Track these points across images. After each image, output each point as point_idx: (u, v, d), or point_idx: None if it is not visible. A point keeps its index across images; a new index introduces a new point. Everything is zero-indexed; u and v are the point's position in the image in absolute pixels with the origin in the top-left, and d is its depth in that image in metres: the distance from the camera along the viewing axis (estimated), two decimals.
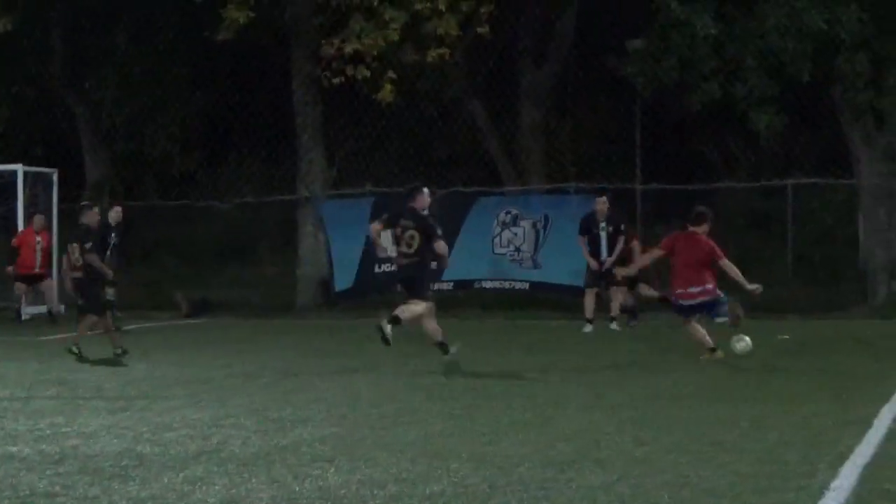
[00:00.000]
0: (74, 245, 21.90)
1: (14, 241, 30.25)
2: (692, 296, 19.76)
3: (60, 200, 32.52)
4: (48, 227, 30.77)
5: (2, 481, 10.65)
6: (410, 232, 19.11)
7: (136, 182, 37.43)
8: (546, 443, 12.39)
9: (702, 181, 32.03)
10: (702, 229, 20.12)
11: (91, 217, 22.47)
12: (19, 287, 30.09)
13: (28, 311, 30.47)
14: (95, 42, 37.58)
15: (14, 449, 12.29)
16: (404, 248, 19.26)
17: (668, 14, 29.45)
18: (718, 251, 19.97)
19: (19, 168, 31.59)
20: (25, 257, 29.80)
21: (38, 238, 29.96)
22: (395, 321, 18.75)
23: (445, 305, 26.46)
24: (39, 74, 38.27)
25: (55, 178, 32.62)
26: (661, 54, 30.09)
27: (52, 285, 30.10)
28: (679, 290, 19.98)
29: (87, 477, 10.84)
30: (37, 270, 29.95)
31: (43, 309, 30.74)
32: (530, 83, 34.96)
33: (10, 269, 29.95)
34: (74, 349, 20.98)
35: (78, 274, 21.84)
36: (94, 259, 21.76)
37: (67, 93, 37.92)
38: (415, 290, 19.24)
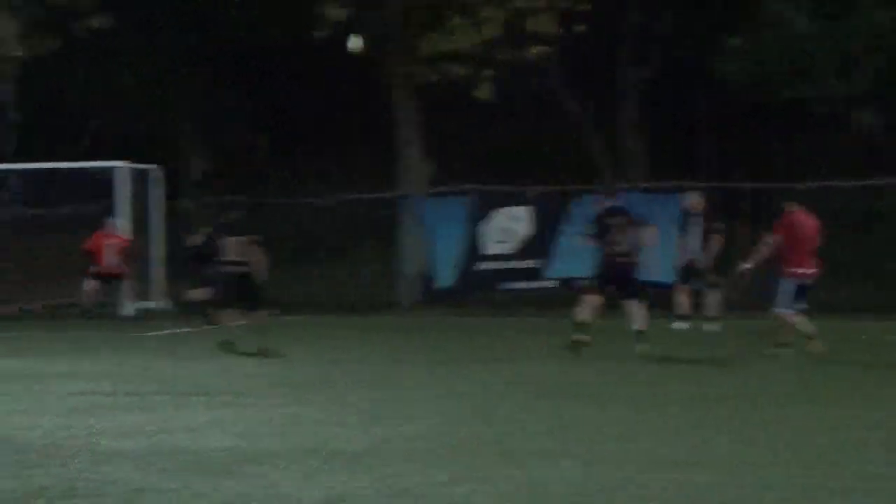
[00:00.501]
0: (233, 239, 21.92)
1: (88, 245, 30.49)
2: (813, 275, 19.90)
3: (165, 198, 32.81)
4: (132, 227, 31.24)
5: (112, 476, 10.66)
6: (623, 230, 20.00)
7: (228, 177, 37.72)
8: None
9: (799, 179, 31.86)
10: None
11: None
12: (90, 285, 30.31)
13: (129, 308, 30.64)
14: (194, 41, 37.92)
15: (122, 444, 12.33)
16: (616, 248, 20.01)
17: (765, 12, 29.31)
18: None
19: (121, 165, 31.81)
20: (101, 258, 30.06)
21: (113, 240, 30.22)
22: (641, 335, 19.98)
23: (552, 304, 26.47)
24: (142, 72, 38.61)
25: (159, 174, 32.83)
26: (759, 52, 29.96)
27: (131, 285, 30.53)
28: (803, 270, 19.84)
29: (196, 472, 10.87)
30: (113, 270, 30.18)
31: (144, 305, 31.07)
32: (629, 81, 34.91)
33: (93, 269, 30.21)
34: (227, 343, 21.13)
35: (243, 268, 21.85)
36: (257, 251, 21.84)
37: (169, 90, 38.22)
38: (631, 289, 20.37)
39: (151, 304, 31.34)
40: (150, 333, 26.37)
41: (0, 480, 10.63)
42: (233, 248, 21.73)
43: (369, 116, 36.71)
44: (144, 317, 30.25)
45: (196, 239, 28.41)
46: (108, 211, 31.52)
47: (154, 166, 32.63)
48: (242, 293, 21.69)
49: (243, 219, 23.49)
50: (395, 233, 33.89)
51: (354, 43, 19.71)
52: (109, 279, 30.28)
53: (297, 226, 35.73)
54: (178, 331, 26.76)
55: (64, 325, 28.86)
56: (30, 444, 12.45)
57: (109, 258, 30.02)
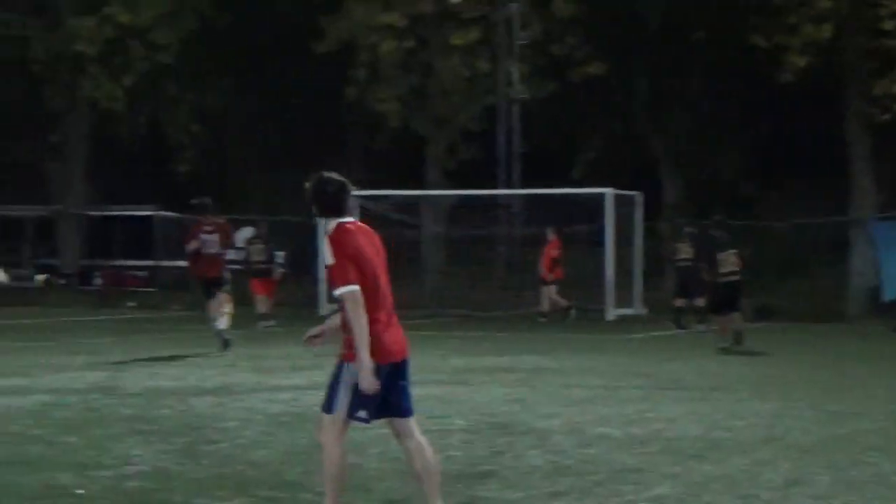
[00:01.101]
0: (727, 252, 22.85)
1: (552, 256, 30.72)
2: None
3: (643, 220, 33.20)
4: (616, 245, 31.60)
5: (596, 457, 11.19)
6: None
7: (706, 204, 37.84)
8: None
9: None
10: None
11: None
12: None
13: (615, 312, 31.05)
14: (672, 85, 38.22)
15: (606, 430, 12.79)
16: None
17: None
18: None
19: (609, 192, 32.14)
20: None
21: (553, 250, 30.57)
22: None
23: None
24: (625, 112, 39.20)
25: (640, 199, 33.21)
26: None
27: (549, 291, 30.78)
28: None
29: (669, 456, 11.27)
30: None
31: (624, 312, 31.44)
32: None
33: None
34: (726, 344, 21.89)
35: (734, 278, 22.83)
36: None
37: (649, 127, 38.72)
38: None
39: (630, 311, 31.75)
40: (630, 336, 26.62)
41: (502, 458, 11.35)
42: (727, 260, 22.41)
43: (822, 147, 36.26)
44: (624, 321, 30.46)
45: (682, 251, 28.90)
46: (597, 231, 32.09)
47: (636, 192, 33.04)
48: (732, 300, 22.34)
49: (726, 236, 23.98)
50: (845, 252, 33.71)
51: None
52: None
53: (758, 245, 35.80)
54: (654, 334, 26.96)
55: (555, 327, 29.19)
56: (549, 429, 13.05)
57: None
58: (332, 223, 8.11)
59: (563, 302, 30.79)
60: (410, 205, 35.93)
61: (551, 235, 31.09)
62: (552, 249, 30.81)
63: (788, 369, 19.61)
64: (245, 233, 38.87)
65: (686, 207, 36.50)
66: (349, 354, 7.93)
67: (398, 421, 8.21)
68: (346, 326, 7.95)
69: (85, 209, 41.93)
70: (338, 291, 7.85)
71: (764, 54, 33.03)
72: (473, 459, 11.14)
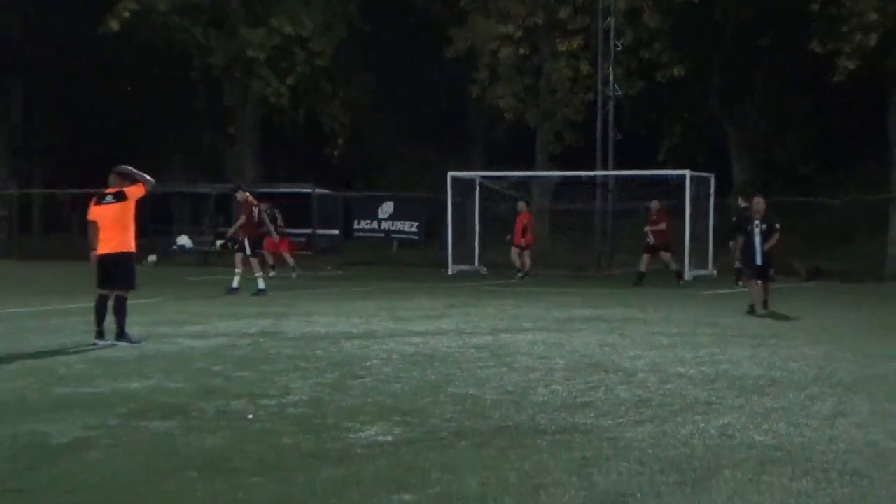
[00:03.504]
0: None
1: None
2: None
3: (716, 197, 32.63)
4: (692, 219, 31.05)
5: (673, 392, 11.16)
6: None
7: (769, 182, 37.46)
8: None
9: None
10: None
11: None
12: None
13: (692, 273, 30.46)
14: (742, 79, 37.82)
15: (682, 370, 12.70)
16: None
17: None
18: None
19: (687, 173, 31.78)
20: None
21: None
22: None
23: None
24: (702, 104, 38.91)
25: (712, 180, 32.73)
26: None
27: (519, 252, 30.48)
28: None
29: (734, 391, 11.19)
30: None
31: (702, 272, 30.99)
32: None
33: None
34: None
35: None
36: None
37: (721, 117, 38.36)
38: None
39: (704, 272, 30.99)
40: (703, 292, 26.23)
41: (596, 392, 11.31)
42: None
43: (869, 136, 35.67)
44: (698, 280, 30.04)
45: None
46: (678, 207, 31.36)
47: (710, 174, 32.68)
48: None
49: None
50: (887, 223, 33.17)
51: None
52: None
53: (815, 218, 35.32)
54: (722, 291, 26.46)
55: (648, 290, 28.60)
56: (635, 369, 12.99)
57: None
58: None
59: (524, 264, 30.56)
60: (522, 183, 35.94)
61: (521, 206, 30.81)
62: (523, 219, 30.55)
63: (835, 320, 19.31)
64: (387, 207, 39.25)
65: (752, 186, 36.03)
66: None
67: None
68: None
69: (254, 187, 42.47)
70: None
71: (820, 58, 32.66)
72: (573, 392, 11.16)
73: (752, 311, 20.20)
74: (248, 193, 25.80)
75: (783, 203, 35.29)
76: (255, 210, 25.22)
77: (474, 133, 43.97)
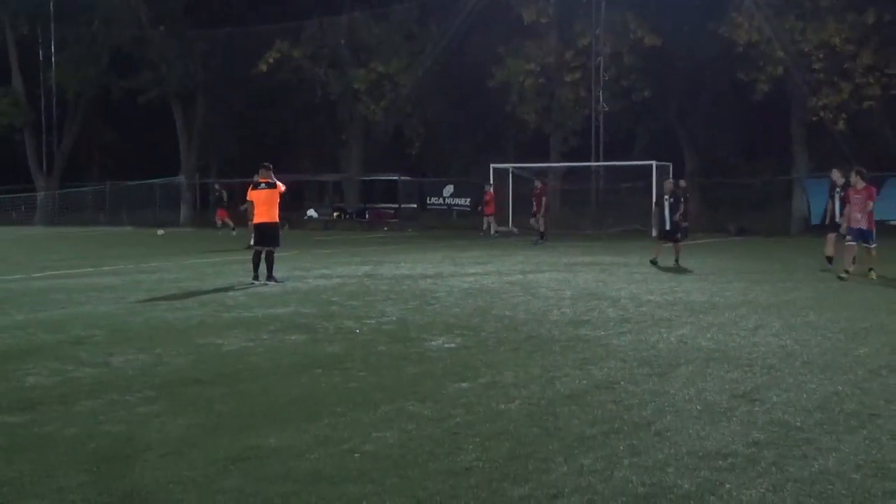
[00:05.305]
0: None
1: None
2: None
3: (673, 177, 31.63)
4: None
5: (645, 313, 10.84)
6: None
7: (709, 170, 36.73)
8: None
9: None
10: None
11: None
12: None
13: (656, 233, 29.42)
14: (691, 99, 36.65)
15: (652, 297, 12.44)
16: None
17: None
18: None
19: (653, 163, 31.04)
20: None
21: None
22: None
23: None
24: (663, 117, 37.64)
25: (671, 168, 31.54)
26: None
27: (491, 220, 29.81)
28: None
29: (687, 312, 10.94)
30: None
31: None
32: None
33: None
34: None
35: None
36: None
37: (676, 125, 37.20)
38: None
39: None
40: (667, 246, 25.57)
41: (592, 313, 10.98)
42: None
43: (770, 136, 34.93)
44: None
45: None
46: (645, 188, 31.08)
47: (669, 163, 32.10)
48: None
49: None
50: (790, 197, 32.25)
51: None
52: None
53: (741, 193, 34.49)
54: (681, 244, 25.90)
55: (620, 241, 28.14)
56: (619, 297, 12.70)
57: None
58: None
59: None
60: (542, 171, 35.72)
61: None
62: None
63: (755, 263, 18.90)
64: (449, 188, 39.22)
65: (698, 172, 35.72)
66: None
67: None
68: None
69: (358, 175, 42.65)
70: None
71: (744, 83, 32.09)
72: (576, 313, 11.02)
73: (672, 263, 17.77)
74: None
75: (721, 184, 34.97)
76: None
77: (508, 137, 43.58)
